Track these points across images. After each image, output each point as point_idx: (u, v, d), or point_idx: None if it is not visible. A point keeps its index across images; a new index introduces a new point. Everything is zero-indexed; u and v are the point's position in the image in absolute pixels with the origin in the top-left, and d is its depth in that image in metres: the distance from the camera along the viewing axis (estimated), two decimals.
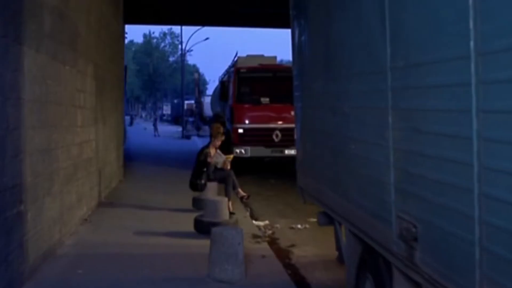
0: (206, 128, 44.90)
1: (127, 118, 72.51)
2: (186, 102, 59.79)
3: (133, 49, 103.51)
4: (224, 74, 26.89)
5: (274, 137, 19.98)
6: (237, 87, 20.56)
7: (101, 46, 13.18)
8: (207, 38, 68.71)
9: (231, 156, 12.28)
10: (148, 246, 9.22)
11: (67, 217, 9.29)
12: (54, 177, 8.37)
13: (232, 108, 20.51)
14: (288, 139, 19.89)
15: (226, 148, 19.95)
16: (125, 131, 41.80)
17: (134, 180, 17.78)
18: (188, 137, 45.19)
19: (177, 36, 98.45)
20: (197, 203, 12.07)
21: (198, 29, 57.80)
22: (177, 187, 14.94)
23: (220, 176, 12.15)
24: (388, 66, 4.24)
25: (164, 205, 12.86)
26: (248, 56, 23.08)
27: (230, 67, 24.31)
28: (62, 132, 8.83)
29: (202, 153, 12.14)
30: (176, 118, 74.39)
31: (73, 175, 9.74)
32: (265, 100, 20.39)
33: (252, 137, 20.06)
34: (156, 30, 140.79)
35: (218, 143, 12.32)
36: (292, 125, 19.98)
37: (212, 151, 12.24)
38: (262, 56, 22.92)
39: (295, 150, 20.51)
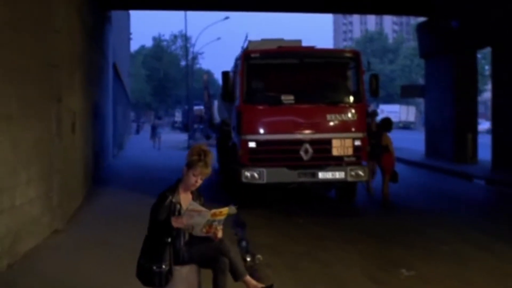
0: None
1: (134, 125, 68.09)
2: (195, 107, 55.16)
3: (144, 53, 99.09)
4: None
5: (302, 153, 13.54)
6: (246, 81, 13.99)
7: None
8: (219, 38, 63.38)
9: (225, 210, 5.52)
10: None
11: None
12: None
13: (239, 111, 14.02)
14: (322, 156, 13.66)
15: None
16: (121, 141, 36.70)
17: (85, 226, 11.42)
18: None
19: (189, 39, 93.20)
20: None
21: (209, 26, 52.50)
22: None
23: (201, 253, 5.72)
24: None
25: None
26: (263, 40, 16.35)
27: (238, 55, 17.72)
28: None
29: (162, 206, 5.65)
30: (186, 125, 69.44)
31: None
32: (288, 98, 13.84)
33: (270, 154, 13.68)
34: (166, 32, 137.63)
35: (195, 181, 5.82)
36: (330, 136, 13.63)
37: (182, 199, 5.77)
38: (281, 40, 16.23)
39: (334, 173, 14.65)
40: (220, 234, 5.64)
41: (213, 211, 5.44)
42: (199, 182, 5.76)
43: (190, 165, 5.70)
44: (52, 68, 10.32)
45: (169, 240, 5.57)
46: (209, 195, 14.75)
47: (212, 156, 5.82)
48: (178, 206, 5.66)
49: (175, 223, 5.47)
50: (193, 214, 5.44)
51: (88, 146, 15.66)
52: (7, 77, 8.07)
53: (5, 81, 7.98)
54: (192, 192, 5.86)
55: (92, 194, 15.29)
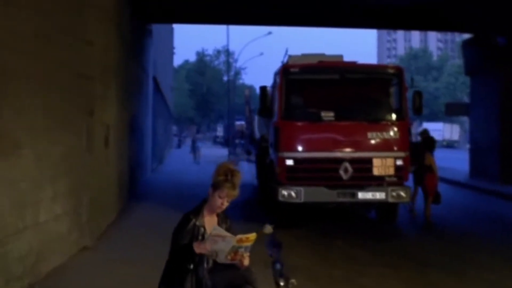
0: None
1: (175, 139, 68.07)
2: (237, 122, 55.14)
3: (187, 68, 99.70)
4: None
5: (341, 172, 13.02)
6: (284, 96, 13.58)
7: None
8: (261, 53, 63.19)
9: (252, 236, 5.07)
10: None
11: None
12: None
13: (277, 128, 13.61)
14: (362, 175, 13.14)
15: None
16: (161, 155, 36.52)
17: (115, 243, 11.08)
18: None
19: (232, 54, 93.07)
20: None
21: (252, 41, 52.34)
22: None
23: (226, 282, 5.27)
24: None
25: None
26: (303, 55, 15.94)
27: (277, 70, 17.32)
28: None
29: (185, 229, 5.24)
30: (227, 140, 69.54)
31: None
32: (327, 115, 13.39)
33: (308, 173, 13.20)
34: (210, 47, 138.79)
35: (221, 204, 5.40)
36: (370, 154, 12.93)
37: (207, 222, 5.34)
38: (323, 55, 15.76)
39: (375, 193, 13.53)
40: (246, 262, 5.20)
41: (239, 237, 5.00)
42: (225, 204, 5.31)
43: (216, 186, 5.27)
44: (84, 80, 10.04)
45: (191, 266, 5.15)
46: (246, 212, 14.46)
47: (241, 177, 5.36)
48: (202, 229, 5.24)
49: (198, 248, 5.04)
50: (217, 239, 5.00)
51: (123, 160, 15.36)
52: (33, 88, 7.79)
53: (30, 92, 7.70)
54: (217, 215, 5.42)
55: (126, 210, 14.97)
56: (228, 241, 4.98)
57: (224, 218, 5.48)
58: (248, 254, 5.17)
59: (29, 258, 7.68)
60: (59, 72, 8.85)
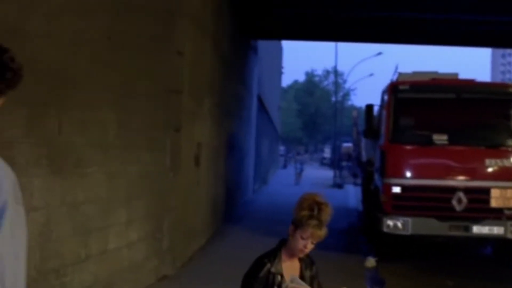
0: None
1: (282, 160, 67.64)
2: (344, 144, 54.82)
3: (296, 87, 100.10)
4: None
5: (454, 202, 11.72)
6: (392, 116, 12.45)
7: None
8: (371, 74, 61.56)
9: None
10: None
11: None
12: None
13: (383, 151, 12.46)
14: (478, 207, 11.87)
15: None
16: (265, 176, 35.84)
17: (199, 273, 10.19)
18: (339, 185, 37.43)
19: (341, 75, 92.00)
20: None
21: (361, 61, 51.18)
22: None
23: None
24: None
25: None
26: (414, 72, 14.76)
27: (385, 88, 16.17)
28: None
29: (257, 276, 4.13)
30: (334, 162, 68.70)
31: None
32: (440, 138, 12.14)
33: (416, 202, 11.95)
34: (320, 68, 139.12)
35: (304, 246, 4.24)
36: (488, 184, 11.53)
37: (285, 269, 4.22)
38: (435, 73, 14.51)
39: (492, 228, 11.30)
40: None
41: None
42: (310, 247, 4.12)
43: (298, 223, 4.08)
44: (171, 93, 9.19)
45: None
46: (348, 240, 13.34)
47: (330, 212, 4.19)
48: (278, 278, 4.07)
49: None
50: None
51: (218, 180, 14.55)
52: (104, 99, 6.99)
53: (101, 104, 6.90)
54: (300, 259, 4.26)
55: (220, 234, 14.12)
56: None
57: (309, 263, 4.31)
58: None
59: None
60: (140, 82, 8.06)
